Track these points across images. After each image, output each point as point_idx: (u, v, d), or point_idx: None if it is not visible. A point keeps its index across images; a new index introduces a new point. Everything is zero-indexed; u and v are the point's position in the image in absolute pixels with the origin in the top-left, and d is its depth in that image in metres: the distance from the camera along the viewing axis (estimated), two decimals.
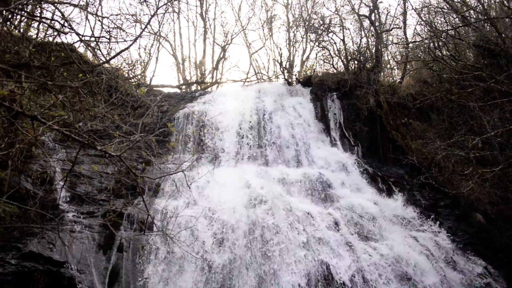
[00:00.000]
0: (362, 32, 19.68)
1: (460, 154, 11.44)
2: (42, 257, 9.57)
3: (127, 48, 8.09)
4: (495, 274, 12.33)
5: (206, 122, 15.03)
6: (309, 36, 23.26)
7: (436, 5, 17.37)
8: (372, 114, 16.49)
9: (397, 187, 14.57)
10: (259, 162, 14.46)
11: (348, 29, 26.67)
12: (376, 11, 20.22)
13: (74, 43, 10.31)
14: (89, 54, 14.23)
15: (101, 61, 8.02)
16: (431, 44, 14.82)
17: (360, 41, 19.58)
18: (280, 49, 37.29)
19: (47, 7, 8.69)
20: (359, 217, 12.57)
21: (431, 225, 13.34)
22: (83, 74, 7.62)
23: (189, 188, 6.80)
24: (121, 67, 16.81)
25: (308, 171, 14.17)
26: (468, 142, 11.20)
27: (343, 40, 19.19)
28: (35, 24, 11.40)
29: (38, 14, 8.81)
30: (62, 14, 7.49)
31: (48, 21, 8.06)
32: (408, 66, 19.70)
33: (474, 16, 16.28)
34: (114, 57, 11.37)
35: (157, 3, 18.11)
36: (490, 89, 11.98)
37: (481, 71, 11.45)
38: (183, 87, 25.08)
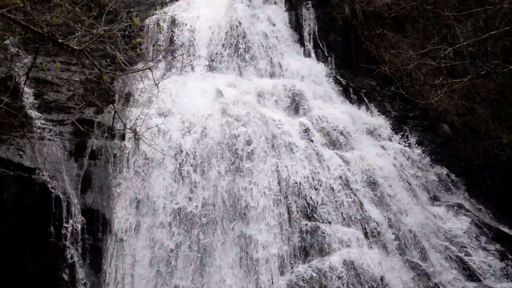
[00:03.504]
0: None
1: (431, 64, 11.46)
2: (12, 163, 9.61)
3: None
4: (456, 181, 13.00)
5: (177, 30, 14.50)
6: None
7: None
8: (347, 24, 16.17)
9: (369, 98, 14.73)
10: (232, 72, 14.23)
11: None
12: None
13: None
14: None
15: None
16: None
17: None
18: None
19: None
20: (330, 127, 12.79)
21: (399, 135, 13.73)
22: None
23: (157, 86, 6.73)
24: None
25: (281, 81, 14.05)
26: (440, 52, 11.16)
27: None
28: None
29: None
30: None
31: None
32: None
33: None
34: None
35: None
36: None
37: None
38: None
